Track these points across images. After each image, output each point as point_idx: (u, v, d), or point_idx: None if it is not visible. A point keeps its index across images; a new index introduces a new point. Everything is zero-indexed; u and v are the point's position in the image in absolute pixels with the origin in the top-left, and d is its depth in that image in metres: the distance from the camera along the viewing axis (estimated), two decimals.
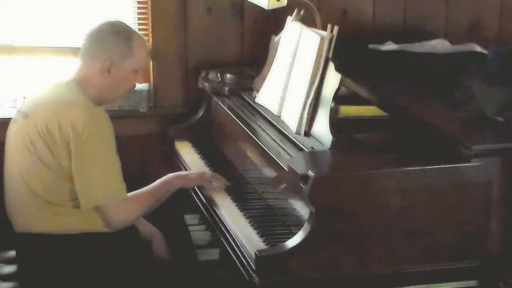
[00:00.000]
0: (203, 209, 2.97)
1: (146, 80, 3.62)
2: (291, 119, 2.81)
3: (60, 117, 2.62)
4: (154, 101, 3.67)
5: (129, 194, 2.74)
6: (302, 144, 2.66)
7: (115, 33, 2.75)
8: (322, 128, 2.64)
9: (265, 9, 3.22)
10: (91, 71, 2.75)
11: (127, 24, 2.85)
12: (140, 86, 3.58)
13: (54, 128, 2.62)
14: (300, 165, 2.44)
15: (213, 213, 2.85)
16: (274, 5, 3.18)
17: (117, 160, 2.69)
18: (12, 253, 2.92)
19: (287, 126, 2.82)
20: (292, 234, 2.43)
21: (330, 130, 2.58)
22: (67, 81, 2.76)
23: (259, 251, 2.38)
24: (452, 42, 3.62)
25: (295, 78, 2.88)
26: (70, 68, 2.84)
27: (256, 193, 2.90)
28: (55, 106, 2.67)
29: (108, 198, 2.66)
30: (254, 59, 3.49)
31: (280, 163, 2.64)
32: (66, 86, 2.74)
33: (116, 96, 2.85)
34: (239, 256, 2.52)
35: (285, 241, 2.39)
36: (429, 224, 2.46)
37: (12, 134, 2.77)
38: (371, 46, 3.53)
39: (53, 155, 2.63)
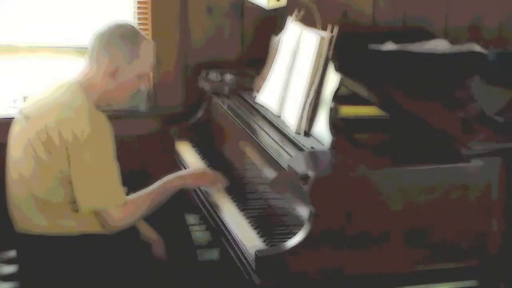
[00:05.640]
0: (203, 209, 2.97)
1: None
2: (291, 119, 2.81)
3: (60, 123, 2.61)
4: (154, 101, 3.67)
5: (128, 197, 2.73)
6: (302, 144, 2.66)
7: (122, 37, 2.71)
8: (322, 128, 2.64)
9: (265, 9, 3.22)
10: (95, 73, 2.72)
11: (137, 28, 2.80)
12: None
13: (54, 134, 2.61)
14: (300, 165, 2.44)
15: (213, 213, 2.85)
16: (274, 5, 3.18)
17: (115, 165, 2.68)
18: (13, 253, 2.92)
19: (287, 126, 2.82)
20: (292, 234, 2.43)
21: (330, 130, 2.58)
22: (70, 82, 2.73)
23: (259, 251, 2.38)
24: (452, 42, 3.62)
25: (295, 78, 2.88)
26: (70, 68, 2.84)
27: (256, 193, 2.90)
28: (56, 110, 2.65)
29: (106, 203, 2.65)
30: (254, 59, 3.48)
31: (280, 163, 2.64)
32: (68, 88, 2.71)
33: (119, 100, 2.82)
34: (239, 256, 2.52)
35: (285, 241, 2.39)
36: (429, 224, 2.46)
37: (14, 136, 2.77)
38: (371, 46, 3.53)
39: (53, 159, 2.62)
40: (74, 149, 2.60)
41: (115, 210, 2.67)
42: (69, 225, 2.67)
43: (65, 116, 2.63)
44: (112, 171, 2.67)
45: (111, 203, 2.66)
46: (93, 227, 2.69)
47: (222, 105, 3.32)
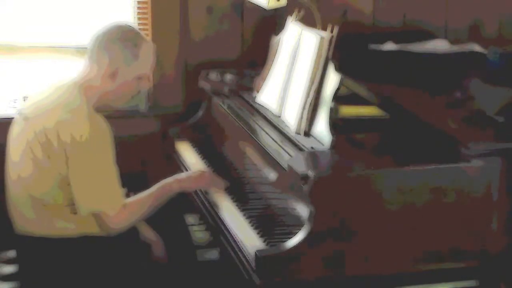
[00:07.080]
0: (203, 209, 2.97)
1: None
2: (291, 119, 2.81)
3: (59, 125, 2.60)
4: (154, 101, 3.67)
5: (127, 200, 2.73)
6: (302, 144, 2.66)
7: (122, 39, 2.70)
8: (322, 128, 2.64)
9: (265, 9, 3.22)
10: (94, 74, 2.71)
11: (137, 30, 2.80)
12: None
13: (53, 136, 2.60)
14: (300, 165, 2.44)
15: (213, 213, 2.85)
16: (274, 5, 3.18)
17: (115, 168, 2.67)
18: (12, 253, 2.92)
19: (287, 126, 2.82)
20: (292, 234, 2.43)
21: (330, 130, 2.58)
22: (69, 83, 2.72)
23: (259, 251, 2.38)
24: (452, 42, 3.62)
25: (295, 78, 2.88)
26: (70, 68, 2.83)
27: (256, 193, 2.90)
28: (55, 112, 2.64)
29: (105, 206, 2.65)
30: (254, 59, 3.48)
31: (280, 163, 2.64)
32: (67, 90, 2.70)
33: (118, 102, 2.80)
34: (239, 256, 2.52)
35: (285, 241, 2.39)
36: (429, 224, 2.46)
37: (13, 136, 2.77)
38: (371, 46, 3.53)
39: (51, 162, 2.62)
40: (72, 151, 2.59)
41: (114, 213, 2.66)
42: (68, 227, 2.67)
43: (63, 118, 2.62)
44: (111, 173, 2.66)
45: (109, 206, 2.66)
46: (92, 229, 2.68)
47: (222, 105, 3.32)
